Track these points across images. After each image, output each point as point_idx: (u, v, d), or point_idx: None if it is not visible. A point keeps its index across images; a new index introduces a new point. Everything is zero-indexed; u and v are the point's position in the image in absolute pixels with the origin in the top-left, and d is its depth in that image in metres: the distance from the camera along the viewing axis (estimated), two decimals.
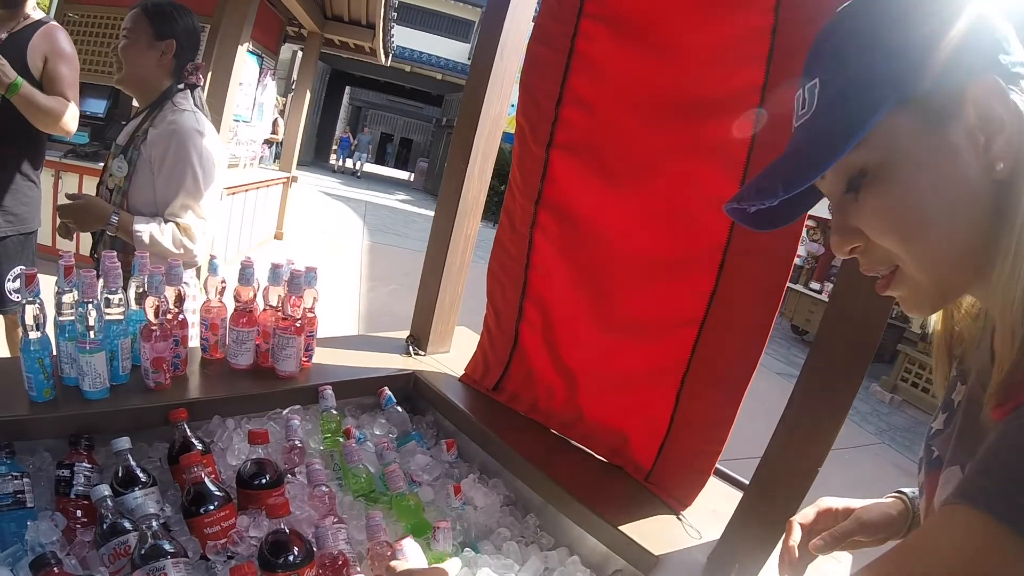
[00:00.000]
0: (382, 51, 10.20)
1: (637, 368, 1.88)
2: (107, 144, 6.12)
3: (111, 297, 1.57)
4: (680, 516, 1.73)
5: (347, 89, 30.04)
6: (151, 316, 1.61)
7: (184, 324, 1.74)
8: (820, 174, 0.79)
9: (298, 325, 1.82)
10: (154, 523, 1.20)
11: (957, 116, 0.74)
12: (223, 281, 1.83)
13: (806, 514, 1.18)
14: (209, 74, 5.85)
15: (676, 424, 1.79)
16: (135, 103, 2.66)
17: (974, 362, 0.91)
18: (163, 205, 2.31)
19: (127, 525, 1.22)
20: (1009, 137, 0.72)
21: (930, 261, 0.79)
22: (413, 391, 2.01)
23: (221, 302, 1.84)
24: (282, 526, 1.23)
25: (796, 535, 1.14)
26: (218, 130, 5.71)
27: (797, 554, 1.12)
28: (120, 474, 1.34)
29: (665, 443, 1.81)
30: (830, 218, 0.86)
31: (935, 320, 1.00)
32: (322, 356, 2.06)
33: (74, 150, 6.00)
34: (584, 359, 2.03)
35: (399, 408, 1.92)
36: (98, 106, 6.32)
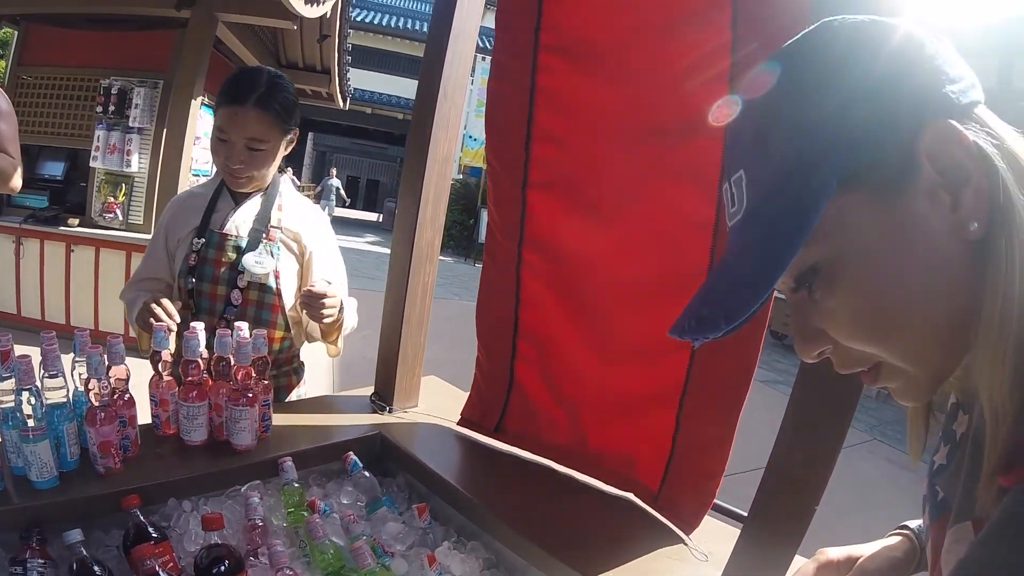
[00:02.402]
0: (339, 95, 10.24)
1: (637, 393, 1.87)
2: (66, 207, 6.06)
3: (50, 381, 1.48)
4: (687, 540, 1.69)
5: (310, 136, 30.05)
6: (93, 400, 1.52)
7: (131, 403, 1.64)
8: (761, 299, 0.67)
9: (250, 396, 1.73)
10: None
11: (913, 179, 0.64)
12: (171, 355, 1.75)
13: (805, 572, 1.10)
14: (164, 130, 5.82)
15: (679, 446, 1.78)
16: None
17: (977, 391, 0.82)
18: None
19: None
20: (978, 186, 0.62)
21: (913, 354, 0.69)
22: (382, 453, 1.92)
23: (170, 376, 1.76)
24: None
25: None
26: (177, 185, 5.70)
27: None
28: (74, 568, 1.26)
29: (670, 464, 1.80)
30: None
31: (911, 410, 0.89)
32: (282, 422, 1.97)
33: (34, 215, 5.93)
34: (584, 389, 2.00)
35: (367, 473, 1.82)
36: (56, 168, 6.24)
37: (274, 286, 2.15)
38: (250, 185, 2.15)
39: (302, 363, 2.43)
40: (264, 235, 2.15)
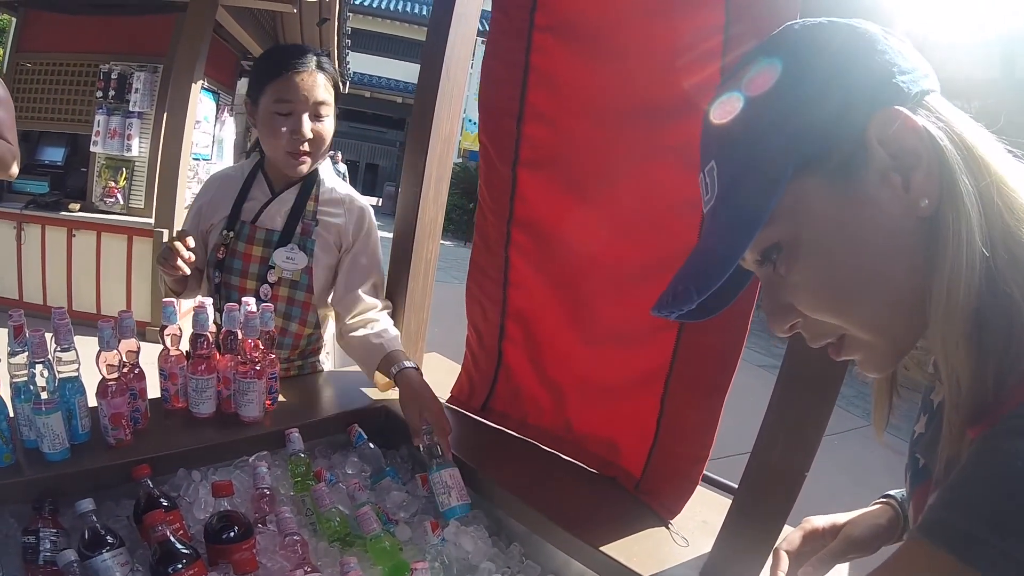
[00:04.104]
0: (339, 79, 10.17)
1: (622, 376, 1.87)
2: (67, 192, 6.07)
3: (63, 355, 1.50)
4: (669, 524, 1.69)
5: None
6: (105, 372, 1.56)
7: (141, 377, 1.67)
8: (727, 271, 0.73)
9: (258, 368, 1.76)
10: None
11: (865, 162, 0.69)
12: (179, 328, 1.77)
13: (791, 540, 1.13)
14: (165, 115, 5.82)
15: (662, 430, 1.77)
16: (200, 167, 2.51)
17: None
18: (354, 286, 2.13)
19: None
20: (928, 168, 0.67)
21: (874, 324, 0.75)
22: (385, 425, 1.95)
23: (179, 350, 1.78)
24: None
25: (783, 564, 1.09)
26: (177, 169, 5.70)
27: None
28: (87, 537, 1.29)
29: (653, 450, 1.79)
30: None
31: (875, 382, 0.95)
32: (289, 396, 2.00)
33: (35, 200, 5.94)
34: (570, 372, 2.01)
35: (371, 445, 1.86)
36: (56, 154, 6.25)
37: (307, 282, 2.10)
38: (309, 166, 2.07)
39: (324, 346, 2.39)
40: (298, 229, 2.09)
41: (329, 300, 2.22)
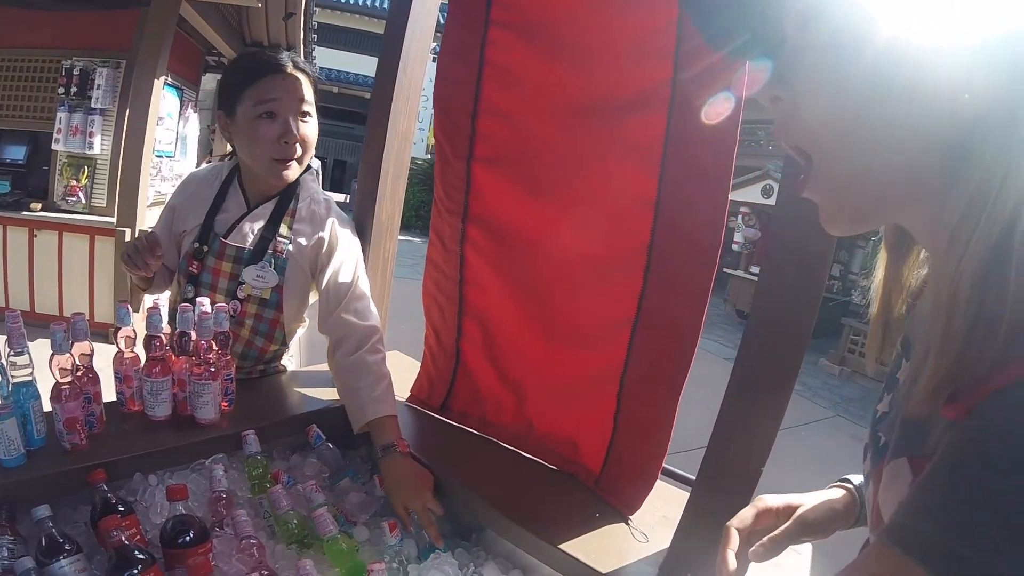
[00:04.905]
0: (315, 79, 10.10)
1: (580, 374, 1.88)
2: (29, 191, 5.97)
3: (16, 359, 1.48)
4: (628, 520, 1.71)
5: None
6: (58, 376, 1.54)
7: (95, 380, 1.65)
8: None
9: (212, 370, 1.74)
10: None
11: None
12: (133, 331, 1.75)
13: (743, 517, 1.07)
14: (127, 111, 5.75)
15: (620, 427, 1.78)
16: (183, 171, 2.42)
17: (920, 337, 0.83)
18: (336, 308, 1.99)
19: None
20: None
21: (851, 169, 0.70)
22: (345, 425, 1.92)
23: (133, 352, 1.76)
24: None
25: (733, 542, 1.04)
26: (140, 167, 5.63)
27: (733, 565, 1.01)
28: (44, 544, 1.28)
29: (611, 446, 1.81)
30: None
31: (873, 307, 0.92)
32: (249, 397, 1.98)
33: None
34: (528, 370, 2.02)
35: (330, 445, 1.86)
36: (18, 152, 6.12)
37: (276, 300, 2.03)
38: (295, 172, 1.99)
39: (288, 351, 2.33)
40: (271, 246, 2.00)
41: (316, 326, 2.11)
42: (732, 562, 1.02)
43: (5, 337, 1.47)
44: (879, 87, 0.65)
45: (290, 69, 1.92)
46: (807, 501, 1.09)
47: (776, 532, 1.03)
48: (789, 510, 1.08)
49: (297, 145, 1.94)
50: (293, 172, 1.98)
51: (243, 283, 1.99)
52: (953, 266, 0.61)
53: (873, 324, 0.92)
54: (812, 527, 1.04)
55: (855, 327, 10.91)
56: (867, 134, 0.67)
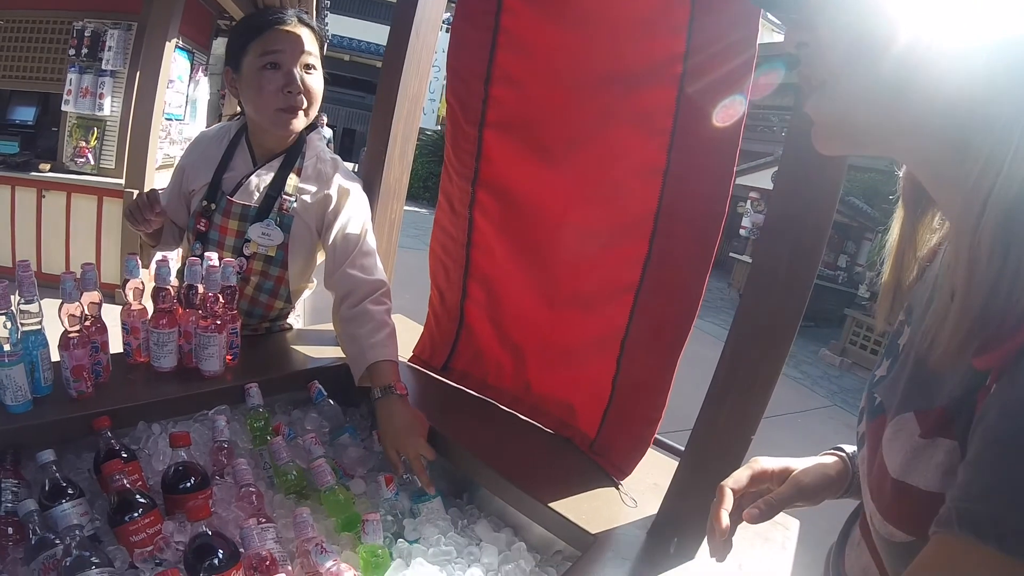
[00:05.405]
0: (322, 36, 10.03)
1: (580, 338, 1.91)
2: (38, 152, 5.98)
3: (26, 307, 1.50)
4: (619, 485, 1.74)
5: None
6: (67, 323, 1.56)
7: (103, 330, 1.67)
8: None
9: (218, 323, 1.76)
10: (78, 534, 1.17)
11: None
12: (142, 283, 1.77)
13: (738, 478, 1.09)
14: (138, 73, 5.74)
15: (617, 391, 1.81)
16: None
17: (924, 300, 0.86)
18: (342, 263, 2.01)
19: (54, 539, 1.19)
20: None
21: (851, 96, 0.72)
22: (346, 382, 1.95)
23: (141, 304, 1.78)
24: (205, 529, 1.21)
25: (728, 501, 1.05)
26: (149, 129, 5.63)
27: (727, 523, 1.03)
28: (47, 487, 1.31)
29: (608, 411, 1.84)
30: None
31: (886, 265, 0.93)
32: (253, 352, 2.01)
33: (4, 161, 5.80)
34: (530, 333, 2.05)
35: (331, 401, 1.89)
36: (27, 114, 6.11)
37: (282, 258, 2.05)
38: (302, 123, 2.00)
39: (295, 310, 2.36)
40: (277, 204, 2.02)
41: (323, 281, 2.13)
42: (726, 520, 1.03)
43: (16, 286, 1.49)
44: (896, 39, 0.65)
45: (294, 23, 1.94)
46: (800, 465, 1.11)
47: (771, 495, 1.05)
48: (784, 473, 1.09)
49: (302, 96, 1.94)
50: (299, 123, 1.99)
51: (249, 240, 2.00)
52: (974, 217, 0.61)
53: (884, 285, 0.94)
54: (806, 491, 1.05)
55: (858, 319, 10.90)
56: (881, 69, 0.68)
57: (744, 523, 1.05)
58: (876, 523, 0.82)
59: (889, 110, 0.70)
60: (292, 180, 2.04)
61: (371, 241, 2.07)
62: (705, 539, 1.28)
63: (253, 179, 2.05)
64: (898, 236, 0.92)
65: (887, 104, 0.69)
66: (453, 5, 2.04)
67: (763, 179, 14.15)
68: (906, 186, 0.89)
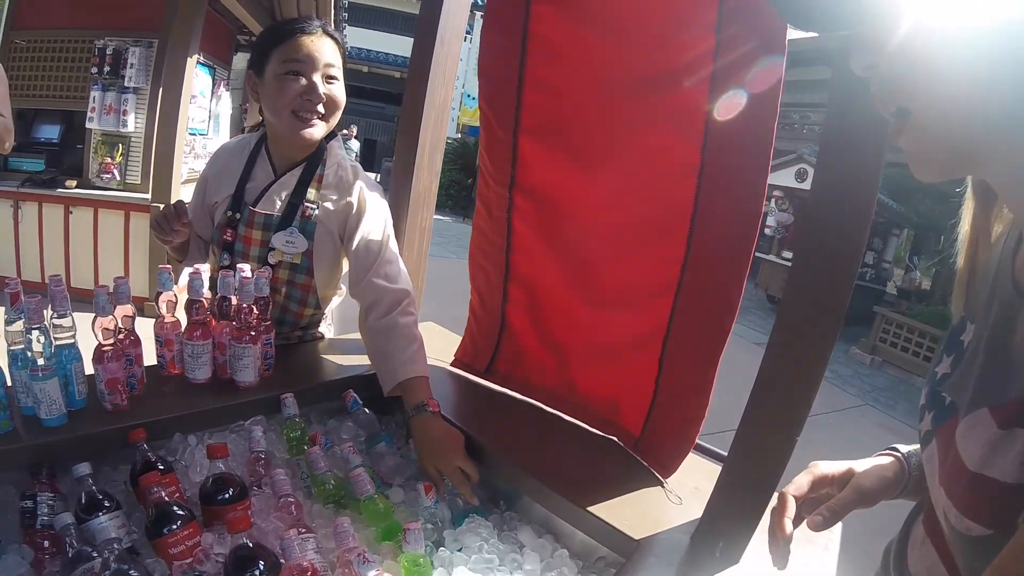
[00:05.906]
0: (345, 48, 10.09)
1: (623, 337, 1.91)
2: (63, 169, 6.05)
3: (59, 321, 1.51)
4: (664, 483, 1.72)
5: None
6: (101, 337, 1.56)
7: (137, 343, 1.68)
8: None
9: (252, 334, 1.76)
10: (116, 547, 1.16)
11: None
12: (174, 295, 1.77)
13: (799, 484, 1.07)
14: (160, 90, 5.79)
15: (660, 390, 1.81)
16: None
17: (986, 296, 0.85)
18: (367, 272, 2.00)
19: (91, 552, 1.18)
20: None
21: (944, 120, 0.69)
22: (380, 390, 1.93)
23: (174, 317, 1.79)
24: (245, 540, 1.20)
25: (790, 509, 1.03)
26: (174, 144, 5.68)
27: (790, 531, 1.01)
28: (83, 500, 1.31)
29: (652, 409, 1.84)
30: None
31: (960, 256, 0.92)
32: (287, 363, 2.01)
33: (31, 178, 5.89)
34: (572, 334, 2.06)
35: (366, 410, 1.88)
36: (52, 132, 6.18)
37: (307, 265, 2.05)
38: (322, 132, 2.00)
39: (325, 319, 2.36)
40: (299, 212, 2.02)
41: (347, 289, 2.14)
42: (789, 528, 1.02)
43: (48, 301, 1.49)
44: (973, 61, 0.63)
45: (318, 32, 1.94)
46: (860, 467, 1.09)
47: (834, 501, 1.03)
48: (845, 476, 1.08)
49: (321, 105, 1.94)
50: (317, 131, 1.98)
51: (273, 249, 2.00)
52: None
53: (959, 275, 0.92)
54: (867, 495, 1.04)
55: (887, 316, 10.79)
56: (964, 93, 0.66)
57: None
58: (951, 519, 0.79)
59: (976, 131, 0.68)
60: (314, 187, 2.05)
61: (393, 248, 2.07)
62: (749, 542, 1.25)
63: (274, 188, 2.05)
64: (970, 227, 0.90)
65: (974, 127, 0.68)
66: (474, 13, 2.04)
67: (787, 177, 14.03)
68: (975, 179, 0.87)
